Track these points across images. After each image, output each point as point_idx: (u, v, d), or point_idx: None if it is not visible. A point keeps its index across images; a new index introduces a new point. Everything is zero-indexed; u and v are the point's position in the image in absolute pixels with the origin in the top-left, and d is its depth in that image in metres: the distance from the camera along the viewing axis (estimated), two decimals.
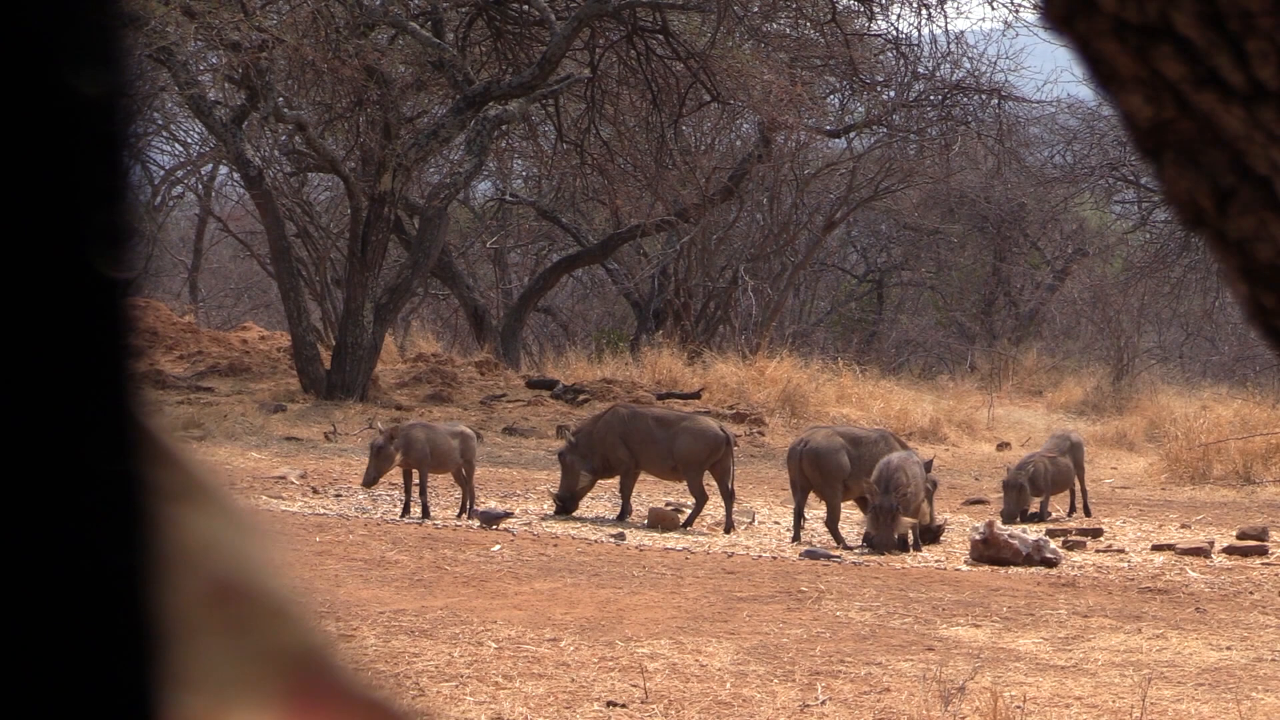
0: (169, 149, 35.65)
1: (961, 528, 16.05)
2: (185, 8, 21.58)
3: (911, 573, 13.35)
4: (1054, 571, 13.79)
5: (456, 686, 8.86)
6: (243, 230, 36.46)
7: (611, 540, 14.49)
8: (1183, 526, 17.04)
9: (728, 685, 9.18)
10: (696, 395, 25.24)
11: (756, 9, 27.24)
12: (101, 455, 0.71)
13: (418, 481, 15.40)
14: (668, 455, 15.94)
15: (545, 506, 16.30)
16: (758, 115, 28.21)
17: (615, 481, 16.23)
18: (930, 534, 15.10)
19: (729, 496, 15.79)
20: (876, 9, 29.70)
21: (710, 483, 15.93)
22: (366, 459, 15.65)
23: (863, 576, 12.90)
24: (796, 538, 15.13)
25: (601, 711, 8.54)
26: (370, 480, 15.33)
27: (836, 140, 33.82)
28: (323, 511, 15.18)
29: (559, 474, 16.29)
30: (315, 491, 16.48)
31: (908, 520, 14.56)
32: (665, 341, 29.20)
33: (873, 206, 36.00)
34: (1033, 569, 13.83)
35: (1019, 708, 8.82)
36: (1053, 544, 14.60)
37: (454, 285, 32.43)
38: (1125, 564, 14.49)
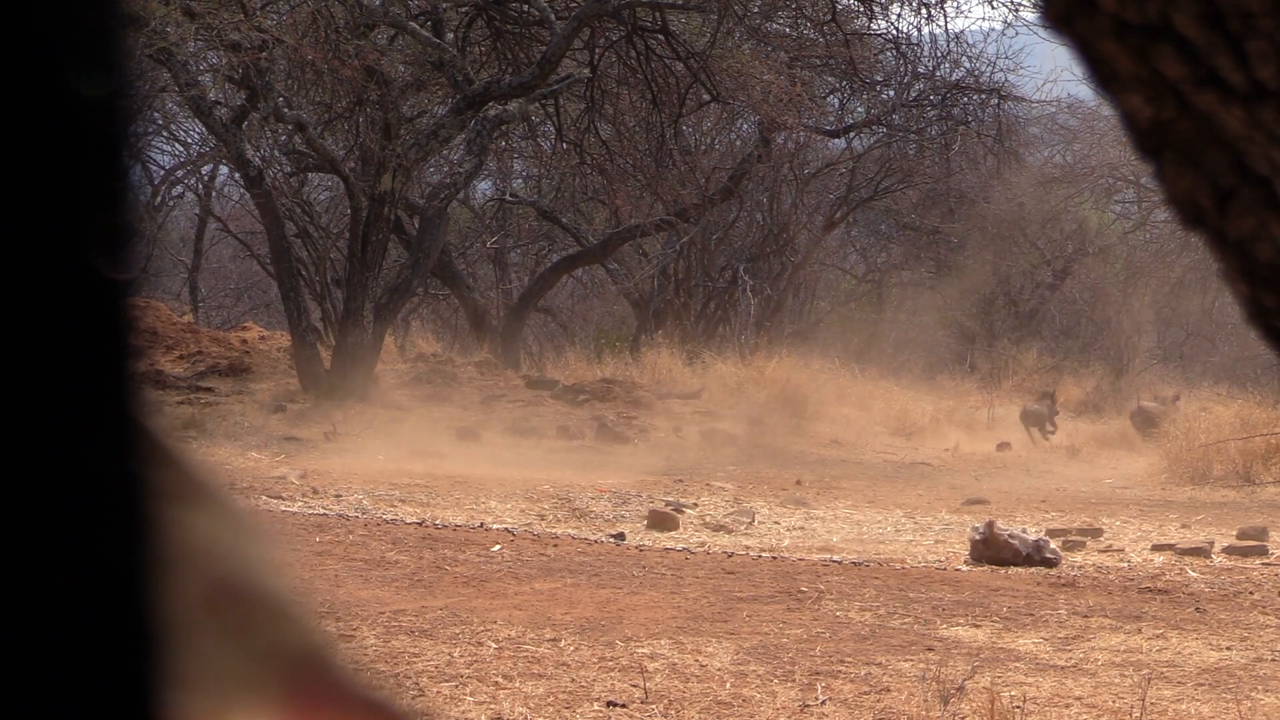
0: (169, 149, 35.66)
1: (962, 528, 16.05)
2: (185, 8, 21.57)
3: (911, 573, 13.34)
4: (1054, 571, 13.79)
5: (456, 686, 8.86)
6: (243, 230, 36.45)
7: (611, 540, 14.49)
8: (1183, 526, 17.03)
9: (728, 685, 9.17)
10: (696, 395, 25.23)
11: (756, 9, 27.23)
12: (101, 456, 0.71)
13: None
14: None
15: (544, 506, 16.31)
16: (758, 115, 28.21)
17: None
18: None
19: None
20: (876, 9, 29.70)
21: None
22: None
23: (863, 576, 12.90)
24: None
25: (601, 711, 8.54)
26: None
27: (836, 140, 33.82)
28: (323, 511, 15.17)
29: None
30: (315, 491, 16.47)
31: None
32: (665, 341, 29.19)
33: (873, 206, 36.01)
34: (1033, 569, 13.82)
35: (1018, 708, 8.82)
36: (1053, 544, 14.60)
37: (454, 285, 32.42)
38: (1125, 564, 14.48)
